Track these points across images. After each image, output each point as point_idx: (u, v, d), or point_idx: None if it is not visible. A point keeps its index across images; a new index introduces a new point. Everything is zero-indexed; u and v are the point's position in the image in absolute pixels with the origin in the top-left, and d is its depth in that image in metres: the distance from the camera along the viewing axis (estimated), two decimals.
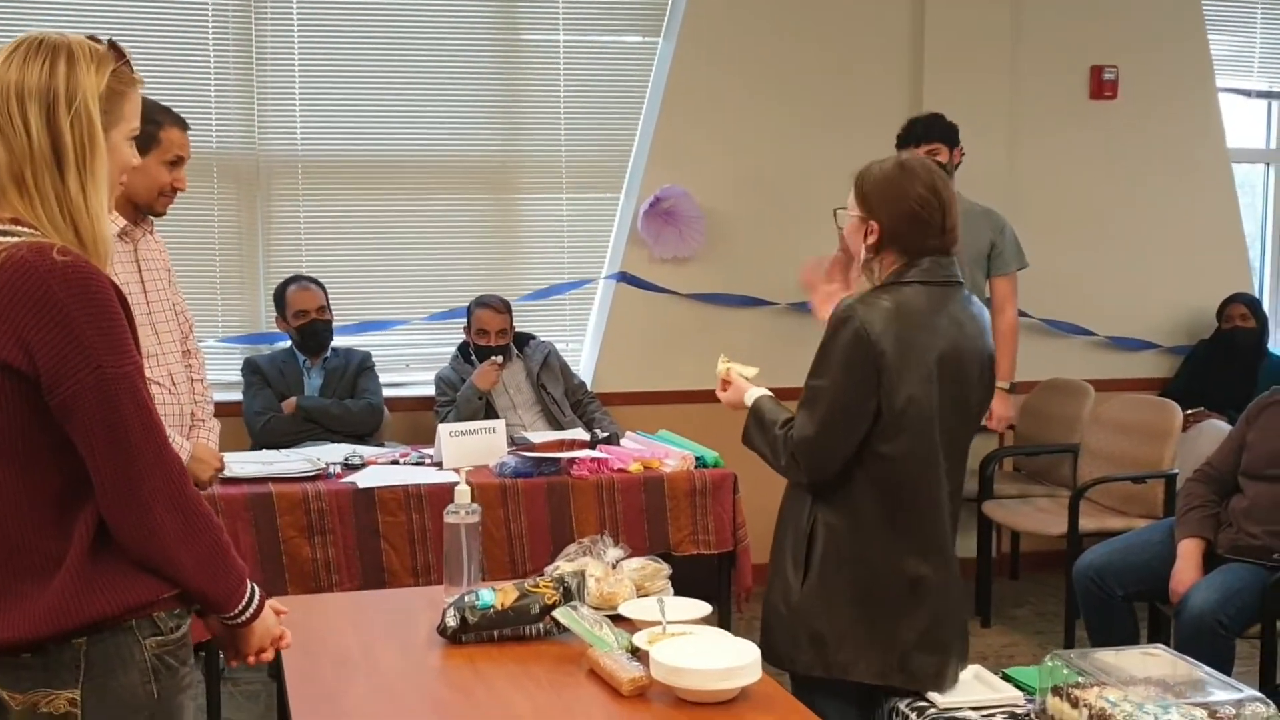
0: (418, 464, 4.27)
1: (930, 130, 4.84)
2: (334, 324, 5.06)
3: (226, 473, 4.02)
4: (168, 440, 1.81)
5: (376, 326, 5.42)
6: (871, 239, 2.66)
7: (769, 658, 2.57)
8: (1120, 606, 4.00)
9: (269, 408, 4.81)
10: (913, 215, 2.61)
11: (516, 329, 5.18)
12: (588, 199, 5.67)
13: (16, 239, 1.74)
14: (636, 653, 2.39)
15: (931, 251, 2.64)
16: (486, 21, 5.51)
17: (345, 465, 4.20)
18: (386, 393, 5.17)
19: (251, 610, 1.93)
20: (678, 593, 2.84)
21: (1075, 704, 2.30)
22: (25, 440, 1.75)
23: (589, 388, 5.30)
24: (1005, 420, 5.23)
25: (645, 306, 5.56)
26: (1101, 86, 5.90)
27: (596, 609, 2.62)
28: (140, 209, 3.25)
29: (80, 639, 1.77)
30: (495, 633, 2.53)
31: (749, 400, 2.80)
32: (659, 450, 4.38)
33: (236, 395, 4.94)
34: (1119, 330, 6.04)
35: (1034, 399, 5.63)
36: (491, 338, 5.01)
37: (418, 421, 5.28)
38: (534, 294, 5.55)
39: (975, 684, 2.70)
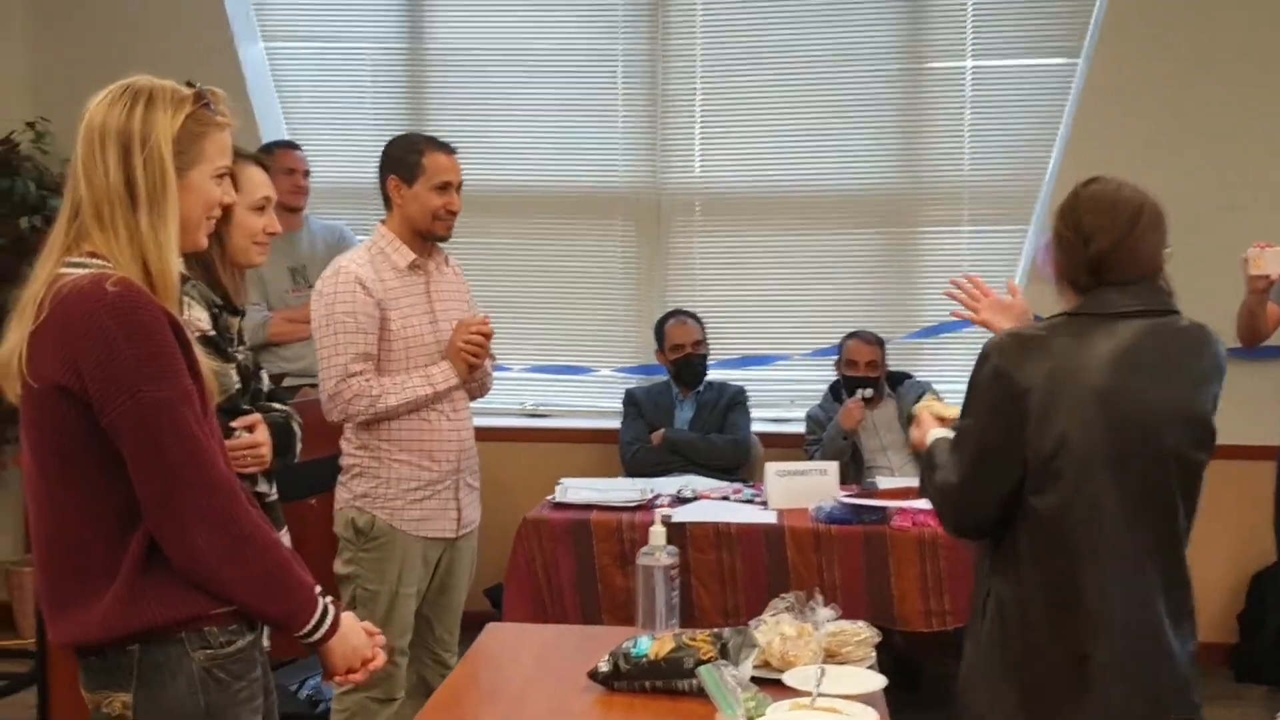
0: (747, 502, 4.24)
1: None
2: (716, 357, 5.14)
3: (558, 497, 4.22)
4: (213, 462, 1.90)
5: (757, 361, 5.43)
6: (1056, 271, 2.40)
7: None
8: None
9: (638, 438, 4.96)
10: (1083, 243, 2.35)
11: (894, 368, 4.99)
12: (991, 231, 5.36)
13: (84, 270, 1.90)
14: None
15: (1107, 286, 2.33)
16: (890, 52, 5.37)
17: (676, 498, 4.25)
18: (763, 428, 5.17)
19: (324, 630, 2.00)
20: None
21: None
22: (85, 457, 1.90)
23: None
24: None
25: None
26: None
27: (777, 670, 2.49)
28: (423, 236, 3.45)
29: (134, 646, 1.91)
30: (648, 683, 2.47)
31: (928, 441, 2.56)
32: None
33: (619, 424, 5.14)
34: None
35: None
36: (860, 368, 4.87)
37: (795, 459, 5.21)
38: (922, 331, 5.32)
39: None
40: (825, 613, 2.72)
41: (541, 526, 4.05)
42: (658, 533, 2.75)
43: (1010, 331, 2.42)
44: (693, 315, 5.09)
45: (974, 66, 5.32)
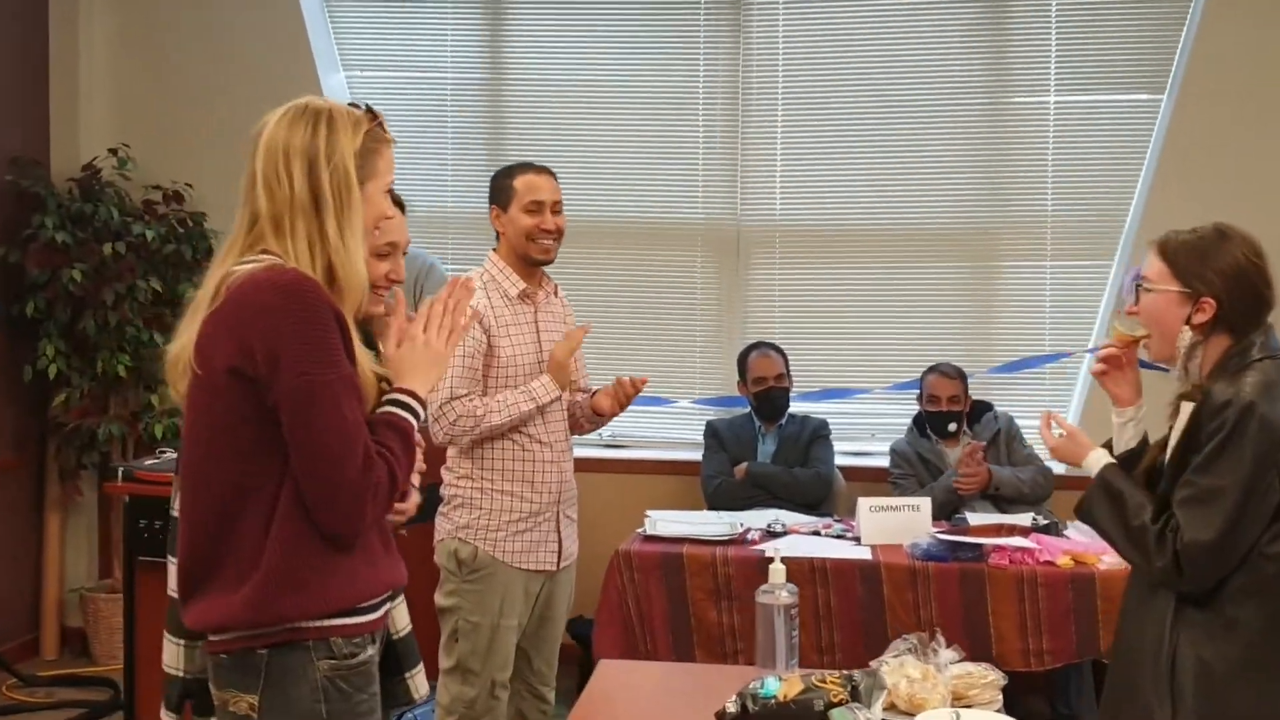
0: (839, 536, 4.21)
1: None
2: (796, 390, 5.12)
3: (647, 529, 4.20)
4: (363, 444, 1.95)
5: (838, 395, 5.40)
6: (1200, 317, 2.36)
7: None
8: None
9: (721, 471, 4.94)
10: (1249, 285, 2.38)
11: (976, 397, 4.96)
12: (1074, 266, 5.33)
13: (258, 263, 1.99)
14: None
15: (1262, 325, 2.38)
16: (974, 86, 5.36)
17: (766, 532, 4.23)
18: (846, 462, 5.15)
19: (420, 410, 2.12)
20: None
21: None
22: (245, 441, 1.96)
23: (1051, 469, 4.93)
24: None
25: None
26: None
27: (905, 714, 2.46)
28: (524, 260, 3.47)
29: (264, 650, 1.97)
30: None
31: (1093, 466, 2.54)
32: (1099, 545, 4.00)
33: (700, 455, 5.11)
34: None
35: None
36: (942, 403, 4.84)
37: (878, 493, 5.17)
38: (1004, 366, 5.28)
39: None
40: (948, 654, 2.69)
41: (632, 559, 4.04)
42: (778, 570, 2.73)
43: (1251, 384, 2.37)
44: (775, 348, 5.08)
45: (1057, 102, 5.30)
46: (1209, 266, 2.43)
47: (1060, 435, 2.68)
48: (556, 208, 3.49)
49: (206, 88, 5.65)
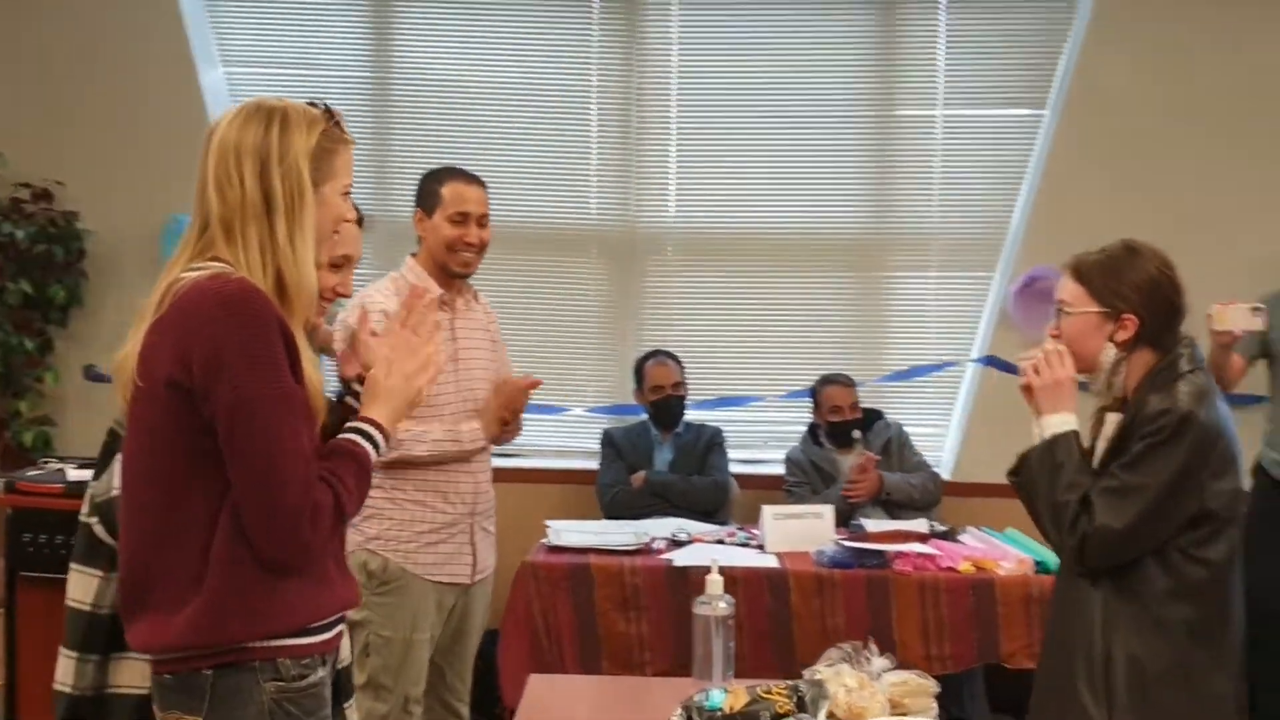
0: (743, 545, 4.22)
1: None
2: (692, 398, 5.13)
3: (551, 540, 4.15)
4: (304, 466, 1.87)
5: (733, 403, 5.43)
6: (1123, 335, 2.46)
7: None
8: None
9: (618, 480, 4.92)
10: (1165, 299, 2.50)
11: (865, 405, 5.04)
12: (958, 278, 5.45)
13: (204, 271, 1.91)
14: None
15: (1180, 338, 2.51)
16: (864, 97, 5.44)
17: (671, 541, 4.22)
18: (740, 470, 5.17)
19: (383, 442, 2.06)
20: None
21: None
22: (183, 456, 1.88)
23: (940, 475, 5.03)
24: None
25: (1013, 394, 5.20)
26: None
27: None
28: (442, 270, 3.40)
29: (209, 670, 1.89)
30: None
31: (1051, 427, 2.57)
32: (998, 551, 4.10)
33: (598, 465, 5.08)
34: None
35: None
36: (845, 412, 4.90)
37: (771, 500, 5.22)
38: (894, 375, 5.37)
39: None
40: (880, 662, 2.72)
41: (539, 571, 3.98)
42: (715, 581, 2.72)
43: (1188, 394, 2.44)
44: (673, 356, 5.08)
45: (944, 115, 5.41)
46: (1124, 283, 2.52)
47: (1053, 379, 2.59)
48: (483, 221, 3.42)
49: (78, 81, 5.40)
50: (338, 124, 2.04)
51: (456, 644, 3.46)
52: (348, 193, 2.07)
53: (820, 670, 2.64)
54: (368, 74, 5.56)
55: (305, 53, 5.57)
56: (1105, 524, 2.43)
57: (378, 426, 2.05)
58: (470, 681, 3.53)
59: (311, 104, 2.03)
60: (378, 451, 2.04)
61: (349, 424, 2.05)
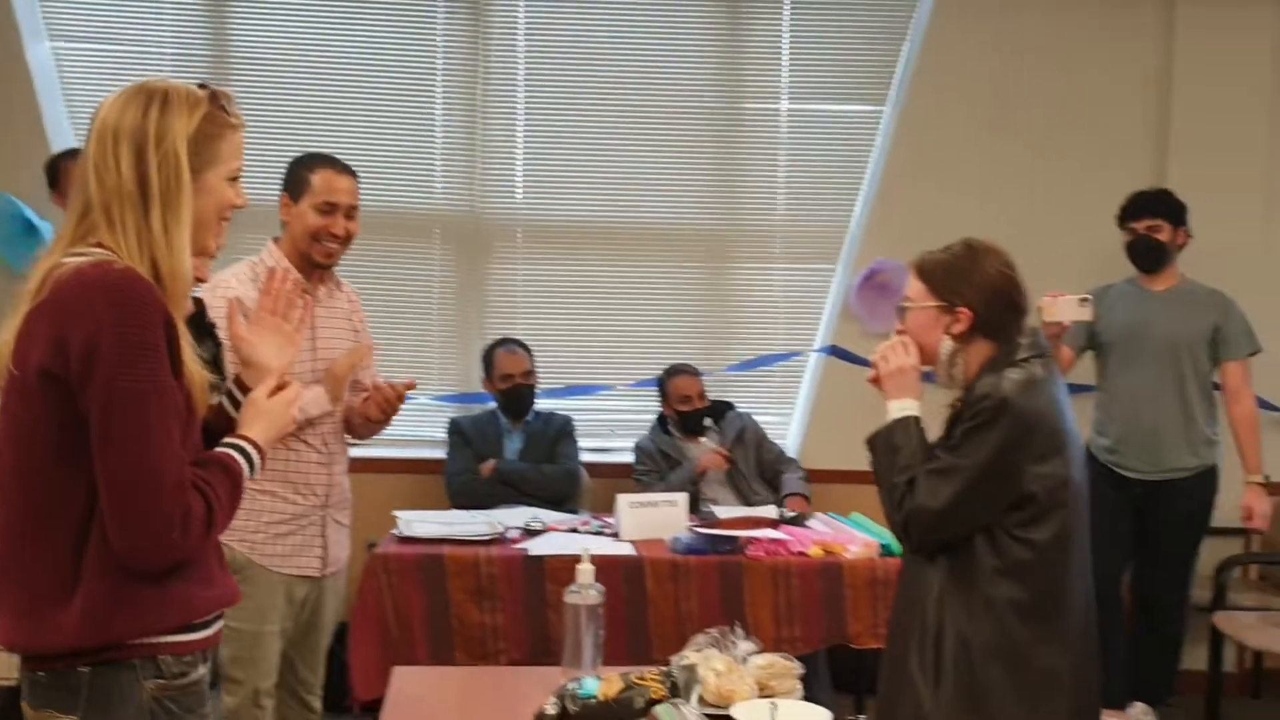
0: (597, 533, 4.22)
1: (1154, 205, 4.52)
2: (542, 387, 5.10)
3: (402, 530, 4.07)
4: (176, 468, 1.81)
5: (582, 391, 5.43)
6: (958, 328, 2.58)
7: None
8: None
9: (467, 469, 4.86)
10: (1003, 294, 2.57)
11: (715, 399, 5.10)
12: (802, 270, 5.55)
13: (87, 257, 1.83)
14: None
15: (1021, 331, 2.58)
16: (710, 89, 5.49)
17: (525, 530, 4.19)
18: (589, 458, 5.17)
19: (258, 462, 2.02)
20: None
21: None
22: (56, 450, 1.81)
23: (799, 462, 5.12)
24: (1265, 518, 4.74)
25: (856, 382, 5.34)
26: None
27: (715, 706, 2.49)
28: (303, 259, 3.30)
29: (85, 668, 1.82)
30: None
31: (893, 413, 2.67)
32: (845, 535, 4.19)
33: (444, 454, 5.01)
34: None
35: None
36: (694, 402, 4.95)
37: (620, 489, 5.23)
38: (741, 364, 5.45)
39: None
40: (746, 645, 2.75)
41: (389, 562, 3.91)
42: (586, 570, 2.70)
43: (1009, 380, 2.51)
44: (522, 344, 5.04)
45: (789, 109, 5.49)
46: (964, 281, 2.61)
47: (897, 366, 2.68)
48: (352, 213, 3.32)
49: None
50: (224, 107, 1.96)
51: (308, 637, 3.37)
52: (237, 178, 1.99)
53: (689, 655, 2.66)
54: (205, 52, 5.37)
55: (139, 28, 5.35)
56: (923, 503, 2.52)
57: (255, 446, 2.01)
58: (323, 674, 3.44)
59: (202, 85, 1.96)
60: (252, 472, 2.00)
61: (226, 439, 2.00)
